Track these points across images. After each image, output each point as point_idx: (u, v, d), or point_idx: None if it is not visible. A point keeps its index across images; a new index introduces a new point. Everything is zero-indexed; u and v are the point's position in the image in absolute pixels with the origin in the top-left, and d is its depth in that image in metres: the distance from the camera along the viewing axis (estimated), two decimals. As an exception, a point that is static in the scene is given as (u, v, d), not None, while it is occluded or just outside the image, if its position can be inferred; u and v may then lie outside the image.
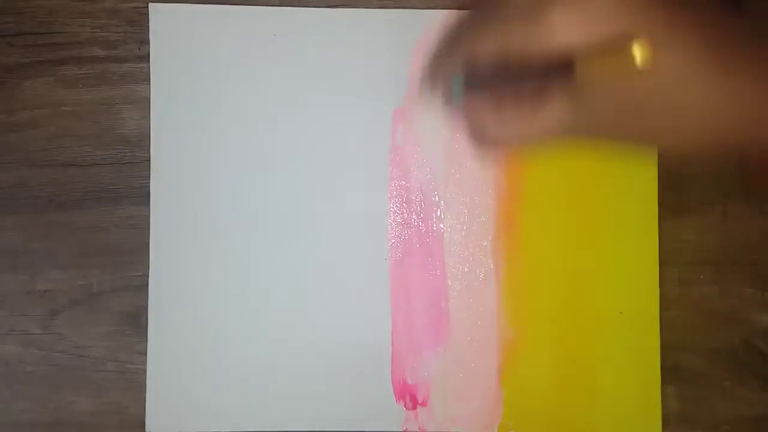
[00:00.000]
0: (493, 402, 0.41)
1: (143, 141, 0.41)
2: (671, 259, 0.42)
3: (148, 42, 0.41)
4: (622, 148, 0.26)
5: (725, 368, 0.42)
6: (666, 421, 0.41)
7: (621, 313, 0.41)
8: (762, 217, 0.42)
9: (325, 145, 0.41)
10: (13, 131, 0.41)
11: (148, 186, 0.41)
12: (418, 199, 0.42)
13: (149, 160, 0.41)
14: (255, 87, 0.41)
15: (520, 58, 0.24)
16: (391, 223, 0.41)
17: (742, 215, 0.42)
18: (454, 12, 0.38)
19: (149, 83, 0.41)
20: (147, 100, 0.41)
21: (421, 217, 0.41)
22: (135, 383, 0.41)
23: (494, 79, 0.26)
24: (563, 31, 0.23)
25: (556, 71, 0.24)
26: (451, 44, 0.27)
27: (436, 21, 0.41)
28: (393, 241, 0.41)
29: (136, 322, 0.41)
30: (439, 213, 0.42)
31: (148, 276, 0.40)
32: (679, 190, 0.42)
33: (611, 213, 0.42)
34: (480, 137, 0.27)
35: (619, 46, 0.23)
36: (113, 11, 0.41)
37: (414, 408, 0.41)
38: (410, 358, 0.41)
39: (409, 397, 0.41)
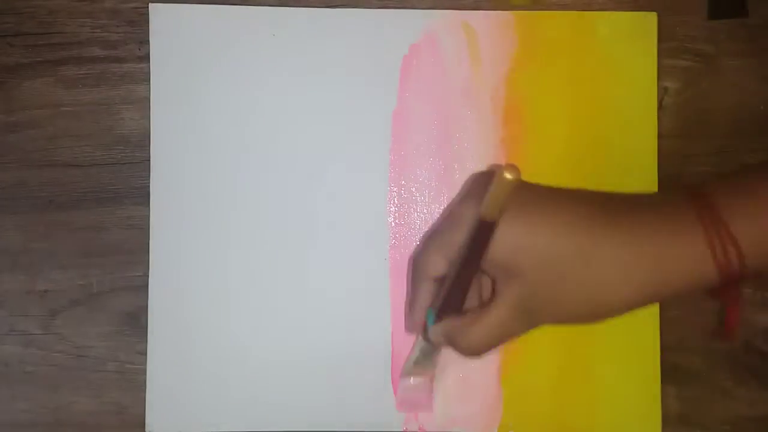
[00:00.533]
0: (493, 402, 0.41)
1: (143, 141, 0.41)
2: (671, 259, 0.42)
3: (148, 42, 0.41)
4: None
5: (725, 368, 0.42)
6: (666, 421, 0.41)
7: (621, 313, 0.41)
8: (762, 217, 0.42)
9: (325, 146, 0.41)
10: (13, 131, 0.41)
11: (148, 186, 0.41)
12: (418, 199, 0.41)
13: (149, 161, 0.41)
14: (255, 87, 0.41)
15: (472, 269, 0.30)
16: (391, 223, 0.41)
17: (742, 215, 0.42)
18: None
19: (149, 83, 0.41)
20: (147, 100, 0.41)
21: (421, 217, 0.41)
22: (135, 383, 0.41)
23: (457, 298, 0.32)
24: (509, 242, 0.29)
25: (505, 277, 0.30)
26: (417, 279, 0.33)
27: (435, 23, 0.42)
28: (393, 241, 0.41)
29: (136, 322, 0.41)
30: (438, 213, 0.41)
31: (148, 276, 0.40)
32: (679, 190, 0.42)
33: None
34: (463, 349, 0.32)
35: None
36: (113, 11, 0.41)
37: (414, 408, 0.41)
38: (410, 358, 0.41)
39: (409, 397, 0.41)
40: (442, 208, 0.41)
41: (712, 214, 0.27)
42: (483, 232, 0.28)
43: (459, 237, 0.30)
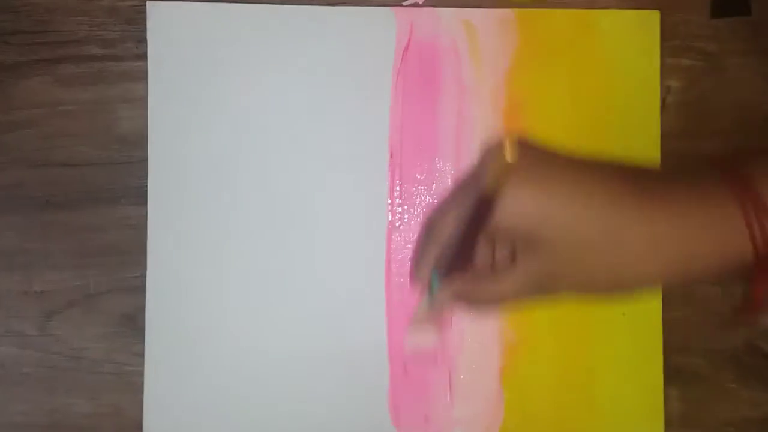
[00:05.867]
0: (495, 404, 0.41)
1: (140, 140, 0.41)
2: (674, 259, 0.42)
3: (145, 40, 0.41)
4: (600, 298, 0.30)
5: (728, 370, 0.42)
6: (669, 422, 0.41)
7: (623, 314, 0.41)
8: (765, 217, 0.42)
9: (325, 145, 0.41)
10: (10, 131, 0.41)
11: (146, 186, 0.40)
12: (416, 201, 0.41)
13: (146, 160, 0.40)
14: (253, 85, 0.41)
15: (483, 234, 0.29)
16: (390, 225, 0.41)
17: (746, 215, 0.42)
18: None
19: (147, 82, 0.41)
20: (144, 99, 0.41)
21: (420, 219, 0.41)
22: (132, 385, 0.40)
23: (463, 260, 0.30)
24: (533, 213, 0.27)
25: (518, 241, 0.29)
26: (427, 240, 0.31)
27: (433, 20, 0.41)
28: (393, 243, 0.41)
29: (133, 323, 0.40)
30: (439, 213, 0.41)
31: (145, 277, 0.40)
32: (681, 190, 0.42)
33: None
34: (475, 307, 0.31)
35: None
36: (111, 9, 0.41)
37: (414, 410, 0.41)
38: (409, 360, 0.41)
39: (410, 399, 0.41)
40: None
41: (748, 190, 0.26)
42: (484, 206, 0.28)
43: (467, 205, 0.29)
